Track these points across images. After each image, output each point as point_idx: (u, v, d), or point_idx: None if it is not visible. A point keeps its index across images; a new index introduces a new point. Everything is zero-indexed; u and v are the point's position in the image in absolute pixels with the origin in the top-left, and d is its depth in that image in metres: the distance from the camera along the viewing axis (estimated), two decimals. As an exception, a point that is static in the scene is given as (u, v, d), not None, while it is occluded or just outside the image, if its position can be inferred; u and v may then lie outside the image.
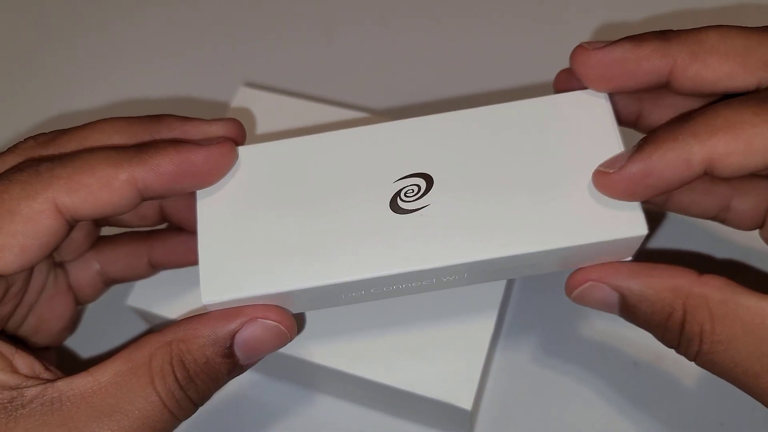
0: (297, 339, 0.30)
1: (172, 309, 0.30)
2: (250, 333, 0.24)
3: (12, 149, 0.25)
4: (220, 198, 0.25)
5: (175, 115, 0.26)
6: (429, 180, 0.25)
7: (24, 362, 0.23)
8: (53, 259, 0.28)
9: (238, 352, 0.24)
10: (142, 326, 0.35)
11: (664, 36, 0.24)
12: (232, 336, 0.23)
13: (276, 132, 0.35)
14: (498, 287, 0.30)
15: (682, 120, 0.22)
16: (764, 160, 0.21)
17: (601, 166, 0.23)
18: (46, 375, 0.23)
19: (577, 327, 0.34)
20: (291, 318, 0.25)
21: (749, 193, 0.28)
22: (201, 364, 0.23)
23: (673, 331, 0.23)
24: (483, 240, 0.23)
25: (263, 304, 0.24)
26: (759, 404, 0.31)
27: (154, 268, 0.30)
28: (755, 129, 0.21)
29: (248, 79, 0.44)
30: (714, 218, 0.29)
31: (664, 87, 0.24)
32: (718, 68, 0.23)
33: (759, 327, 0.22)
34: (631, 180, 0.22)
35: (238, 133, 0.26)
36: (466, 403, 0.28)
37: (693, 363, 0.24)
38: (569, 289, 0.25)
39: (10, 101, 0.46)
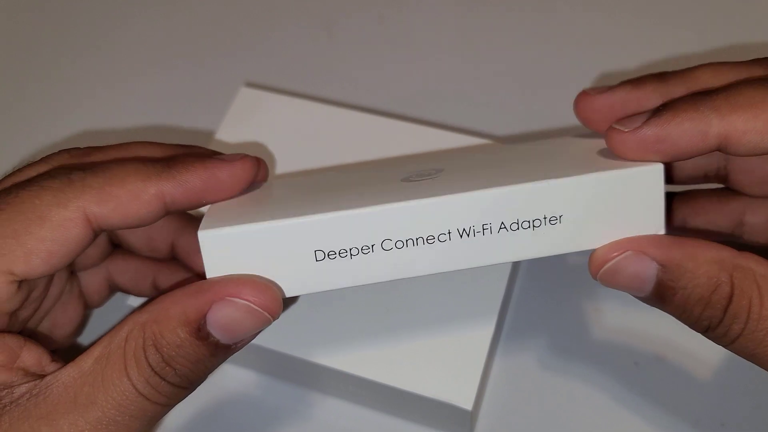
0: (298, 339, 0.30)
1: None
2: (221, 313, 0.22)
3: (46, 159, 0.25)
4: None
5: (204, 148, 0.28)
6: (439, 169, 0.25)
7: (31, 354, 0.23)
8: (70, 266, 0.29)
9: (215, 333, 0.22)
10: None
11: (661, 77, 0.25)
12: (202, 316, 0.22)
13: (276, 133, 0.35)
14: (499, 287, 0.30)
15: (703, 94, 0.23)
16: None
17: (616, 123, 0.23)
18: (51, 367, 0.23)
19: (577, 327, 0.34)
20: (272, 294, 0.22)
21: (761, 207, 0.29)
22: (175, 346, 0.22)
23: (717, 307, 0.22)
24: (497, 180, 0.23)
25: (237, 279, 0.22)
26: (760, 404, 0.31)
27: (157, 290, 0.30)
28: None
29: (248, 79, 0.44)
30: (731, 235, 0.30)
31: None
32: None
33: None
34: (644, 141, 0.22)
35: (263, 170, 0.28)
36: (467, 403, 0.28)
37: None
38: (597, 265, 0.23)
39: (15, 117, 0.46)
